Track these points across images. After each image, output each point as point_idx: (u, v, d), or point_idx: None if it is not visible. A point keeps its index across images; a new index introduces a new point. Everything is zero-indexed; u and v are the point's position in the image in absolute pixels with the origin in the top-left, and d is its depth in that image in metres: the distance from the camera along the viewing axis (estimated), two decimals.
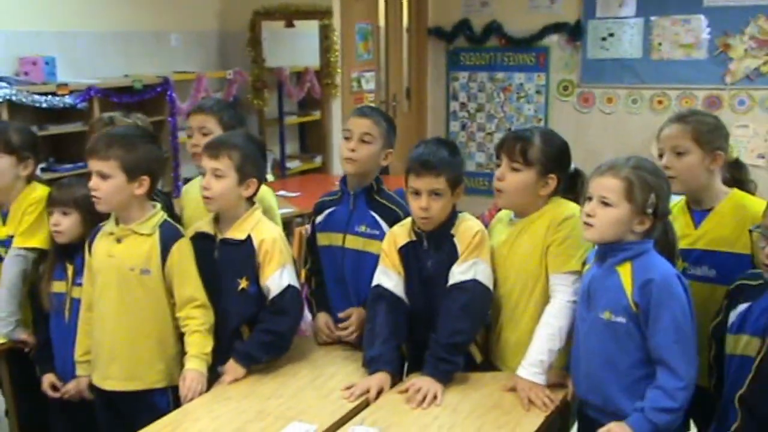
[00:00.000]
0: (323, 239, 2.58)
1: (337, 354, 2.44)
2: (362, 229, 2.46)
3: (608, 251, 1.97)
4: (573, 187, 2.27)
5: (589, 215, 1.95)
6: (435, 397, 2.09)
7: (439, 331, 2.18)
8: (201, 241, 2.36)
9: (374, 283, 2.33)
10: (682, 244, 2.18)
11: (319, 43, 5.56)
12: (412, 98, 6.71)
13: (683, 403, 1.87)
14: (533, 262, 2.22)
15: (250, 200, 2.36)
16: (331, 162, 5.88)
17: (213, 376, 2.25)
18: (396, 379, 2.22)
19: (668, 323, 1.87)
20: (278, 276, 2.26)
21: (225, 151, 2.26)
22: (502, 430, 1.95)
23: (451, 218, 2.28)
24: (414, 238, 2.30)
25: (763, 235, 1.87)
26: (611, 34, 5.91)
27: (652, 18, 5.75)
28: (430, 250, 2.27)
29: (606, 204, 1.92)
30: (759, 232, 1.89)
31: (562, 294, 2.14)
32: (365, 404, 2.10)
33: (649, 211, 1.92)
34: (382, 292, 2.30)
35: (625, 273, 1.94)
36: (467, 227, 2.26)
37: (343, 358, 2.40)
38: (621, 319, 1.93)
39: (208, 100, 3.26)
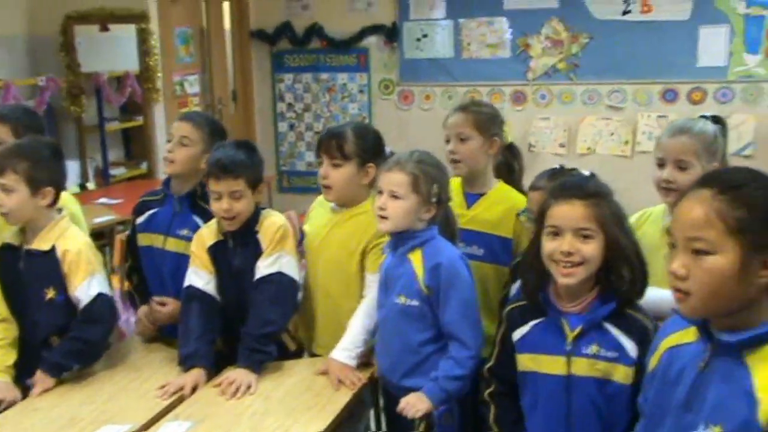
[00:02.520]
0: (144, 239, 2.61)
1: (155, 356, 2.47)
2: (184, 232, 2.51)
3: (399, 241, 2.14)
4: None
5: (381, 209, 2.11)
6: (249, 387, 2.19)
7: (250, 324, 2.28)
8: (6, 252, 2.32)
9: (186, 283, 2.39)
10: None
11: (137, 47, 5.45)
12: (238, 101, 6.72)
13: (472, 370, 2.07)
14: (346, 253, 2.36)
15: (55, 208, 2.34)
16: (157, 168, 5.77)
17: (22, 392, 2.21)
18: (212, 374, 2.29)
19: (456, 301, 2.07)
20: (87, 285, 2.27)
21: (9, 165, 2.22)
22: (313, 411, 2.08)
23: (255, 216, 2.38)
24: (221, 238, 2.38)
25: (528, 217, 2.14)
26: (425, 35, 6.24)
27: (461, 20, 6.12)
28: (237, 248, 2.37)
29: (396, 197, 2.09)
30: (525, 215, 2.16)
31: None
32: (181, 401, 2.16)
33: (434, 200, 2.11)
34: (194, 292, 2.37)
35: (416, 259, 2.11)
36: (270, 223, 2.37)
37: (160, 359, 2.44)
38: (414, 302, 2.10)
39: (2, 107, 3.16)
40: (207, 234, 2.41)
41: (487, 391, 1.97)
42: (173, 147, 2.49)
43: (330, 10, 6.41)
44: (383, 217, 2.11)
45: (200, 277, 2.37)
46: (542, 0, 5.89)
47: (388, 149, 2.41)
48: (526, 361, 1.86)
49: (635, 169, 5.47)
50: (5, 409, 2.12)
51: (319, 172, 2.40)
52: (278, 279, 2.31)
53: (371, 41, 6.39)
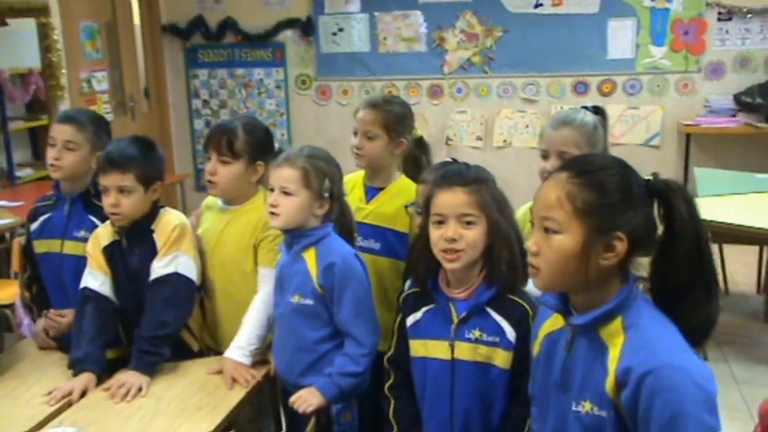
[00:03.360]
0: (40, 246, 2.50)
1: (44, 360, 2.37)
2: (81, 234, 2.42)
3: (294, 239, 2.10)
4: None
5: (273, 205, 2.07)
6: (140, 390, 2.12)
7: (143, 325, 2.21)
8: None
9: (81, 285, 2.31)
10: (356, 217, 2.41)
11: (38, 42, 5.24)
12: (151, 97, 6.55)
13: (366, 367, 2.05)
14: (241, 252, 2.32)
15: None
16: None
17: None
18: (103, 379, 2.21)
19: (350, 300, 2.04)
20: None
21: None
22: (204, 410, 2.02)
23: (152, 214, 2.31)
24: (116, 238, 2.30)
25: (416, 210, 2.14)
26: (341, 29, 6.20)
27: (376, 14, 6.11)
28: (133, 248, 2.29)
29: (287, 193, 2.05)
30: (414, 208, 2.16)
31: (270, 285, 2.24)
32: (69, 407, 2.07)
33: (326, 195, 2.08)
34: (88, 294, 2.29)
35: (310, 258, 2.08)
36: (166, 222, 2.31)
37: (50, 363, 2.34)
38: (309, 301, 2.07)
39: None
40: (103, 234, 2.33)
41: (387, 385, 1.97)
42: (59, 153, 2.39)
43: (243, 4, 6.31)
44: (275, 214, 2.07)
45: (95, 278, 2.29)
46: None
47: (277, 145, 2.38)
48: (417, 347, 1.87)
49: None
50: None
51: (206, 167, 2.34)
52: (174, 280, 2.25)
53: (287, 35, 6.32)
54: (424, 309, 1.87)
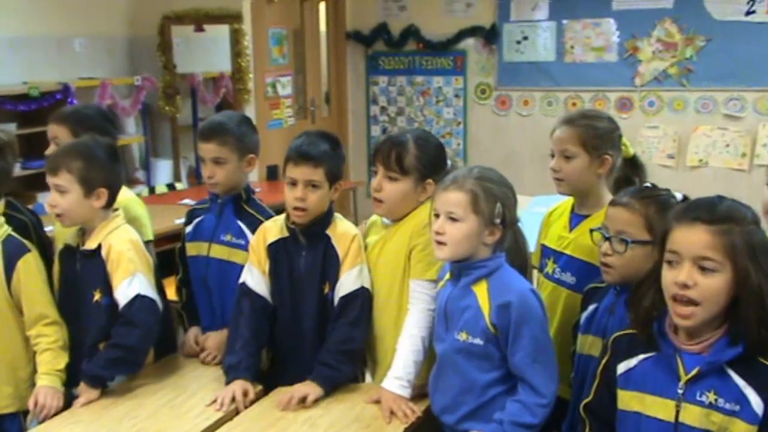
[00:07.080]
0: (192, 249, 2.52)
1: (201, 372, 2.34)
2: (227, 238, 2.41)
3: (462, 270, 1.91)
4: None
5: (438, 233, 1.88)
6: (304, 399, 2.05)
7: (331, 340, 2.16)
8: (67, 254, 2.29)
9: (241, 280, 2.27)
10: (557, 246, 2.19)
11: (230, 47, 5.46)
12: (332, 102, 6.65)
13: (542, 419, 1.83)
14: (399, 265, 2.17)
15: (110, 209, 2.26)
16: None
17: (69, 399, 2.15)
18: (256, 386, 2.16)
19: (527, 342, 1.83)
20: (126, 285, 2.16)
21: (63, 165, 2.16)
22: None
23: (328, 216, 2.23)
24: (287, 234, 2.23)
25: (603, 235, 1.87)
26: (525, 38, 5.95)
27: (564, 21, 5.80)
28: (304, 247, 2.22)
29: (454, 219, 1.86)
30: (600, 232, 1.89)
31: (422, 302, 2.10)
32: (221, 421, 2.02)
33: (498, 221, 1.86)
34: (246, 290, 2.25)
35: (481, 293, 1.88)
36: (345, 230, 2.23)
37: (207, 375, 2.30)
38: (478, 341, 1.87)
39: (67, 108, 3.13)
40: (271, 228, 2.27)
41: None
42: (211, 170, 2.36)
43: (427, 12, 6.24)
44: (441, 243, 1.88)
45: (252, 275, 2.25)
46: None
47: (449, 162, 2.21)
48: (629, 400, 1.61)
49: (753, 184, 4.98)
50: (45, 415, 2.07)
51: (372, 182, 2.21)
52: (362, 294, 2.18)
53: (469, 43, 6.17)
54: (641, 356, 1.60)
